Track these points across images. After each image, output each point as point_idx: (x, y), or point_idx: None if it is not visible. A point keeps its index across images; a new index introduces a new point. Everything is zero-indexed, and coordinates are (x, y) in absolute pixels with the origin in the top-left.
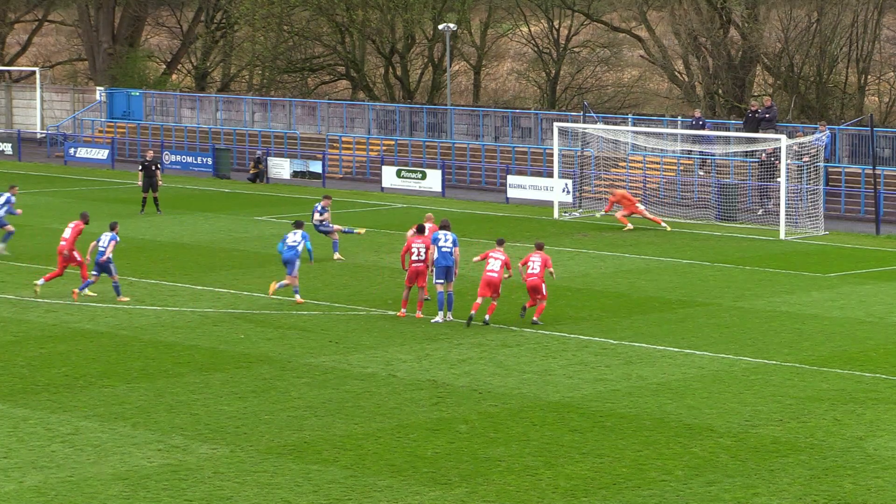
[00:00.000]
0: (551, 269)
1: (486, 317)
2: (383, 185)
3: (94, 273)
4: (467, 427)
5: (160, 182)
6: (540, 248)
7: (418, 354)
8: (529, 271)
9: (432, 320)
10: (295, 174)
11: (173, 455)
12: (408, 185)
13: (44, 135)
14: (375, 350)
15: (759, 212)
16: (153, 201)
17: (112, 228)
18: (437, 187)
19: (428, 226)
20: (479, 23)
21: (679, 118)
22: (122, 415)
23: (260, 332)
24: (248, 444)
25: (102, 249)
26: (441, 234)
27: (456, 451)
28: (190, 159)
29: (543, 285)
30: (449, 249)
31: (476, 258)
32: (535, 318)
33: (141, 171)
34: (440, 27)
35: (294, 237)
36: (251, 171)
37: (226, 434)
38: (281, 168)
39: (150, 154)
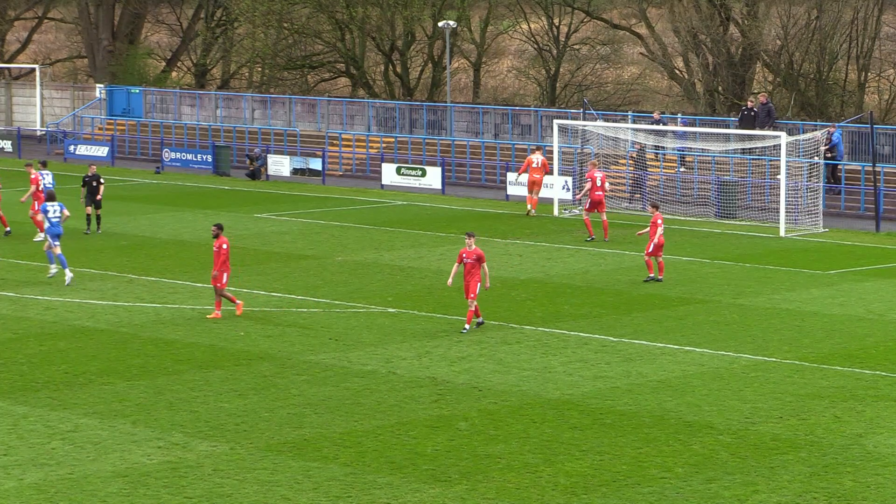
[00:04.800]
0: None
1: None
2: (383, 182)
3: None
4: (467, 424)
5: (99, 196)
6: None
7: (418, 352)
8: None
9: (48, 275)
10: (295, 171)
11: (173, 452)
12: (408, 183)
13: (43, 132)
14: (375, 347)
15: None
16: (95, 219)
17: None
18: (437, 184)
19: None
20: (478, 20)
21: (679, 115)
22: (121, 412)
23: (260, 329)
24: (247, 441)
25: None
26: (49, 205)
27: (456, 449)
28: (190, 156)
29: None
30: (58, 218)
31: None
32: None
33: (83, 187)
34: (440, 24)
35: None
36: (249, 168)
37: (226, 431)
38: (281, 165)
39: (92, 169)
